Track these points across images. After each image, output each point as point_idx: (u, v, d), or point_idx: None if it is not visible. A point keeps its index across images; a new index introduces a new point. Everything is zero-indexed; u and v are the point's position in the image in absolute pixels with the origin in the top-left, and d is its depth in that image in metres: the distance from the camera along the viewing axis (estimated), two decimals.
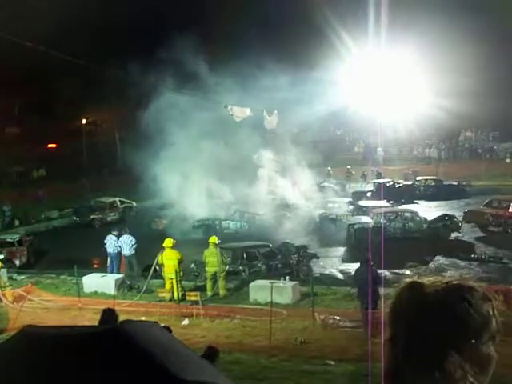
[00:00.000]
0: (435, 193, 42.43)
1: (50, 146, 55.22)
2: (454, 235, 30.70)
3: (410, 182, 45.16)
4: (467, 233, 31.56)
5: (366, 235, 29.44)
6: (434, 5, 44.95)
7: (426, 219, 30.99)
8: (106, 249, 26.03)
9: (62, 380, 1.49)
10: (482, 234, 31.10)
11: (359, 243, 28.34)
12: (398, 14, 38.30)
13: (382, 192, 37.43)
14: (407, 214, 31.29)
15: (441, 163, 52.47)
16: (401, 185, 44.17)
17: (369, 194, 40.54)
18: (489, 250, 27.67)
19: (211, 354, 10.54)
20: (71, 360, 1.51)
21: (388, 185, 42.24)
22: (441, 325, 1.77)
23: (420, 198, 41.97)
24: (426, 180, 44.76)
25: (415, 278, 1.90)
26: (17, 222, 38.20)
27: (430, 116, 48.90)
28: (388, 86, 45.05)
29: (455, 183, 44.18)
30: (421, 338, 1.78)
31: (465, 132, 60.73)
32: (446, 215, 32.01)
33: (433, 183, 44.22)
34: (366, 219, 31.44)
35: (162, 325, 12.01)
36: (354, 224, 31.07)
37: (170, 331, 11.33)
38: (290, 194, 37.25)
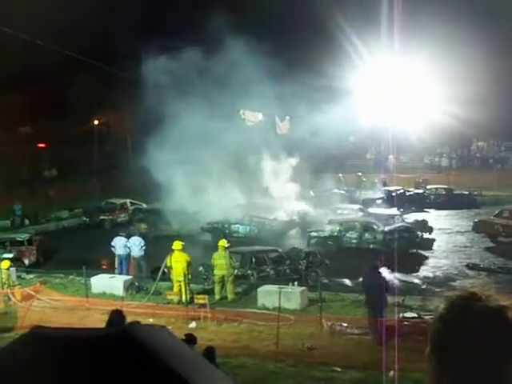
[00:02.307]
0: (445, 202, 42.26)
1: (57, 145, 54.91)
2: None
3: (420, 191, 45.03)
4: (477, 243, 31.44)
5: (321, 243, 29.51)
6: (448, 12, 44.88)
7: (383, 230, 30.30)
8: (113, 251, 26.07)
9: (71, 382, 1.50)
10: (491, 245, 30.92)
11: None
12: (411, 22, 38.23)
13: (392, 200, 37.38)
14: (365, 224, 30.84)
15: (452, 172, 52.28)
16: (411, 193, 44.05)
17: (379, 202, 40.44)
18: (498, 261, 27.53)
19: (209, 353, 10.55)
20: (80, 362, 1.51)
21: (398, 192, 42.11)
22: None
23: (430, 207, 41.84)
24: (436, 189, 44.60)
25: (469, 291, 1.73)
26: (27, 222, 38.35)
27: (442, 125, 48.75)
28: (401, 93, 44.98)
29: (466, 193, 44.02)
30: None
31: (477, 141, 60.50)
32: (405, 227, 31.26)
33: (443, 192, 44.05)
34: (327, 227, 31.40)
35: (186, 333, 12.06)
36: (312, 231, 31.17)
37: (195, 341, 11.39)
38: (299, 199, 37.22)
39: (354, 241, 30.17)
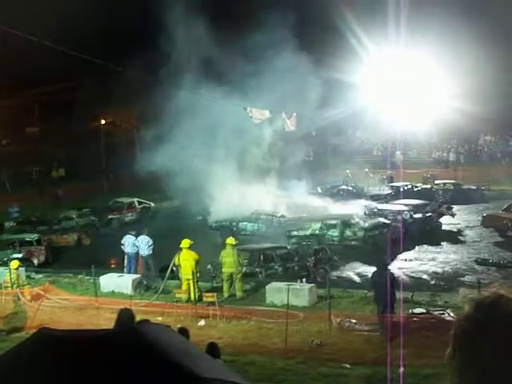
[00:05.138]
0: (454, 197, 42.08)
1: (65, 145, 55.14)
2: None
3: (428, 186, 44.88)
4: (485, 238, 31.33)
5: (302, 242, 29.20)
6: (454, 6, 44.71)
7: (363, 227, 30.39)
8: (123, 249, 26.13)
9: (81, 381, 1.50)
10: (500, 239, 30.80)
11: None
12: (417, 16, 38.16)
13: (400, 195, 37.20)
14: (346, 222, 30.65)
15: (460, 167, 52.11)
16: (419, 188, 43.89)
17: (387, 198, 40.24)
18: (507, 255, 27.42)
19: (212, 350, 10.53)
20: (89, 363, 1.51)
21: (406, 188, 41.99)
22: None
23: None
24: (444, 184, 44.43)
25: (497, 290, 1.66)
26: None
27: (449, 119, 48.64)
28: (408, 88, 44.91)
29: (474, 187, 43.84)
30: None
31: (484, 136, 60.27)
32: (383, 223, 31.16)
33: (451, 187, 43.87)
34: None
35: (179, 326, 12.03)
36: (292, 231, 30.82)
37: (187, 334, 11.36)
38: (307, 195, 37.17)
39: (336, 238, 30.08)
